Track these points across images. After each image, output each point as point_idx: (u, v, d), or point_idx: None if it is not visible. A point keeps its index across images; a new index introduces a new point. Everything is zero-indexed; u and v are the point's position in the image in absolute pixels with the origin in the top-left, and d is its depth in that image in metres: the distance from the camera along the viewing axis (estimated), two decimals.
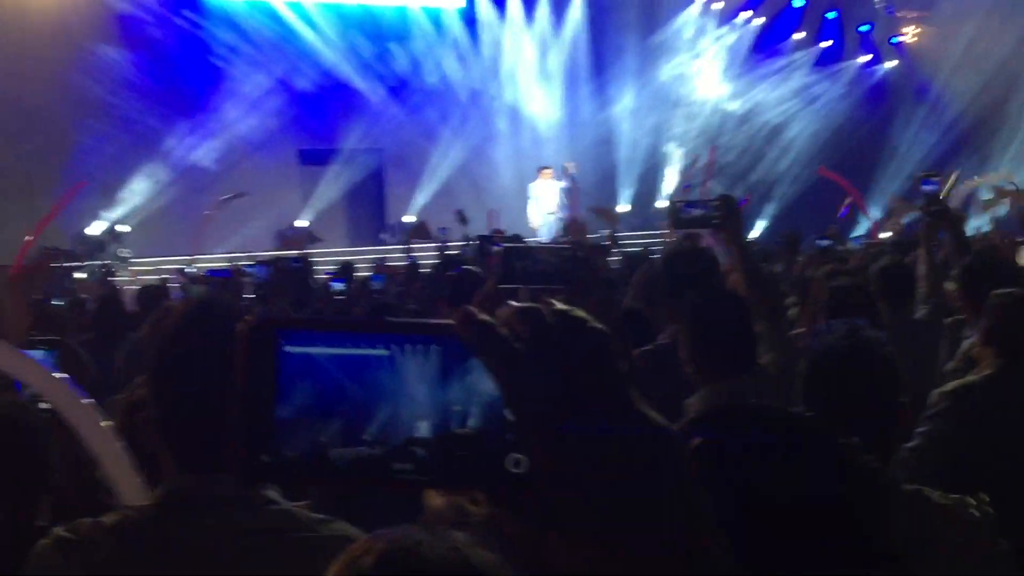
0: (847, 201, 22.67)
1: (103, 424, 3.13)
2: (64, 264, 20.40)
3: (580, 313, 0.92)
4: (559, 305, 0.93)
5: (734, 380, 4.31)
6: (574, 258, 4.33)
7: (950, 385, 4.76)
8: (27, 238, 19.12)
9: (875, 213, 24.11)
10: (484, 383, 0.90)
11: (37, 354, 3.76)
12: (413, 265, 15.76)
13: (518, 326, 0.90)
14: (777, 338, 4.78)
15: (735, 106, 28.96)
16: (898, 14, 29.15)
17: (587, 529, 0.87)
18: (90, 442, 3.10)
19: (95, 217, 22.52)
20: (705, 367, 4.45)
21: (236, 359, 0.90)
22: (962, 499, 3.22)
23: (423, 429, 0.89)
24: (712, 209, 5.43)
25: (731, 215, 5.28)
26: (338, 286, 12.74)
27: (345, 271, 14.68)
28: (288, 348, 0.90)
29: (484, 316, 0.90)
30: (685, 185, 26.32)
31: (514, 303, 0.93)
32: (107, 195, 22.51)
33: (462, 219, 20.78)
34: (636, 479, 0.88)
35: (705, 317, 4.51)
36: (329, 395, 0.89)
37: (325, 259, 19.80)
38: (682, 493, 0.90)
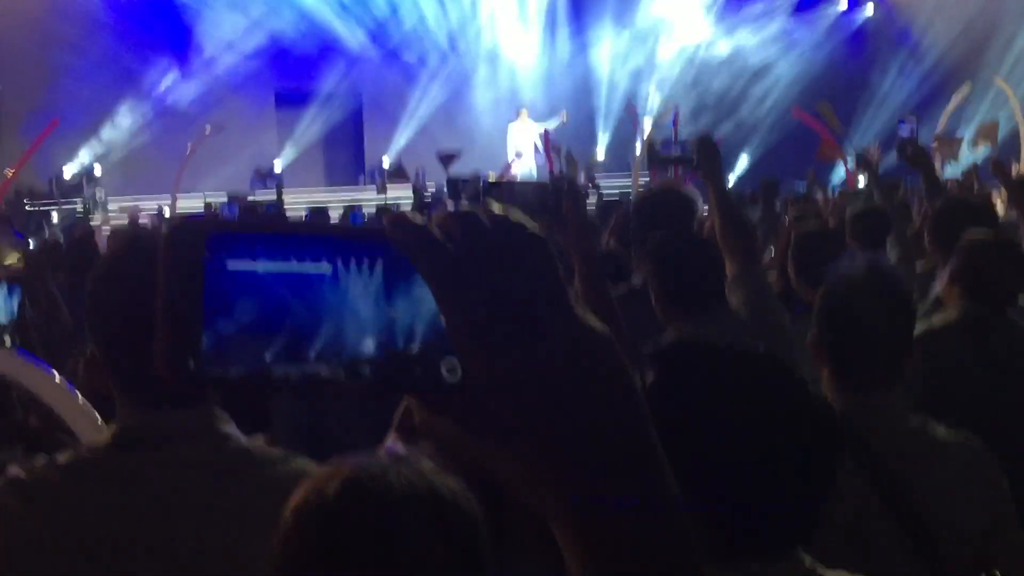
0: (825, 151, 22.56)
1: (57, 380, 3.12)
2: (40, 205, 20.34)
3: (519, 216, 0.90)
4: (496, 208, 0.91)
5: (700, 320, 4.32)
6: (556, 191, 4.29)
7: (917, 330, 4.75)
8: (7, 172, 18.96)
9: (852, 159, 24.12)
10: (430, 295, 0.88)
11: None
12: (384, 207, 15.63)
13: (453, 229, 0.88)
14: (750, 280, 4.78)
15: (714, 51, 28.85)
16: None
17: (522, 434, 0.86)
18: (48, 398, 3.11)
19: (71, 158, 22.39)
20: (670, 306, 4.46)
21: (160, 258, 0.88)
22: (967, 435, 3.27)
23: (369, 346, 0.88)
24: (689, 148, 5.40)
25: (709, 154, 5.24)
26: None
27: (317, 215, 14.62)
28: (232, 265, 0.87)
29: (418, 219, 0.88)
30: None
31: (450, 207, 0.90)
32: (83, 136, 22.37)
33: (447, 161, 20.63)
34: (572, 383, 0.86)
35: (668, 256, 4.51)
36: (272, 312, 0.87)
37: (301, 202, 19.75)
38: (622, 398, 0.89)
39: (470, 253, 0.87)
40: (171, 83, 23.74)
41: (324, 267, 0.88)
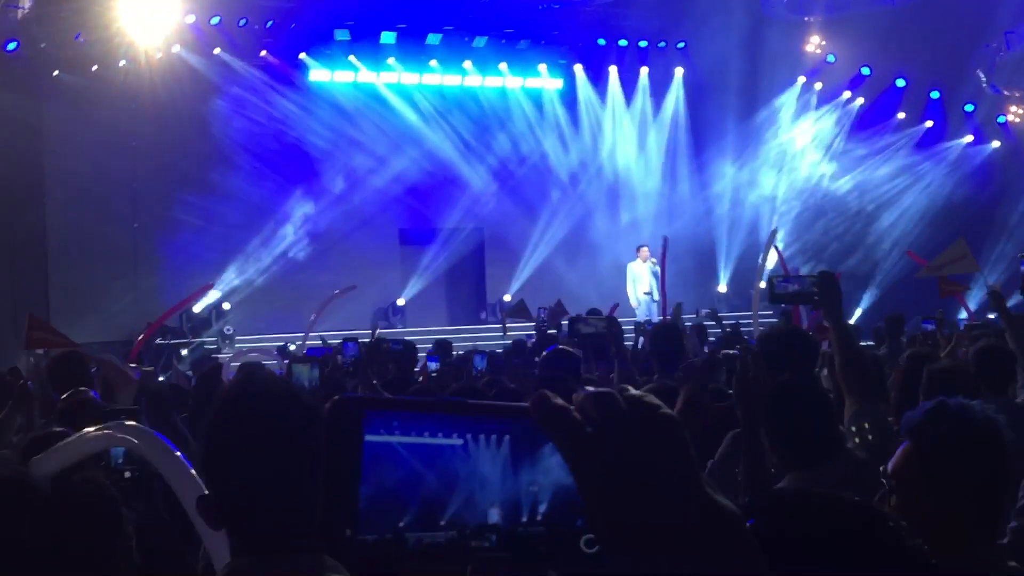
0: (944, 287, 22.08)
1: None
2: (170, 340, 20.80)
3: (652, 399, 0.94)
4: (632, 391, 0.95)
5: (815, 468, 4.23)
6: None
7: None
8: (147, 328, 19.38)
9: (978, 293, 23.68)
10: (557, 466, 0.93)
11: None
12: (518, 342, 15.52)
13: (591, 410, 0.92)
14: (868, 418, 4.70)
15: (837, 186, 28.75)
16: (1004, 92, 28.77)
17: None
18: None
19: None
20: (785, 456, 4.38)
21: (324, 435, 0.94)
22: None
23: (496, 515, 0.93)
24: (809, 284, 5.33)
25: (829, 291, 5.18)
26: (433, 365, 12.71)
27: (441, 349, 14.64)
28: (369, 437, 0.93)
29: (558, 400, 0.92)
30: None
31: (590, 388, 0.95)
32: (214, 272, 22.84)
33: (556, 313, 20.47)
34: (702, 559, 0.89)
35: (781, 406, 4.43)
36: (407, 482, 0.93)
37: (425, 337, 19.89)
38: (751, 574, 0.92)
39: (606, 433, 0.91)
40: (296, 221, 24.25)
41: (455, 440, 0.94)
